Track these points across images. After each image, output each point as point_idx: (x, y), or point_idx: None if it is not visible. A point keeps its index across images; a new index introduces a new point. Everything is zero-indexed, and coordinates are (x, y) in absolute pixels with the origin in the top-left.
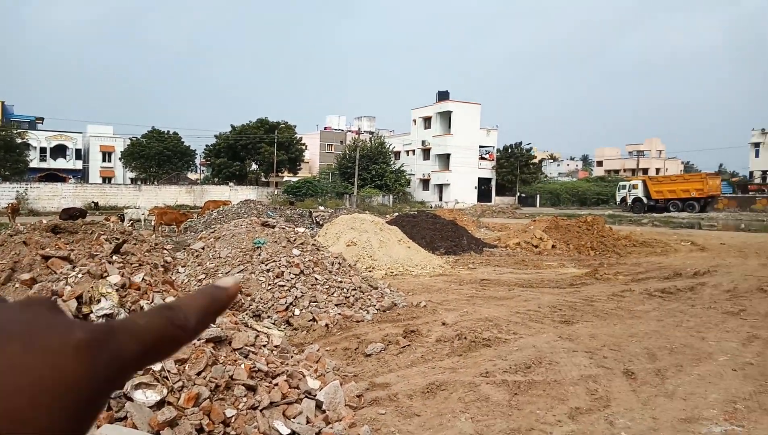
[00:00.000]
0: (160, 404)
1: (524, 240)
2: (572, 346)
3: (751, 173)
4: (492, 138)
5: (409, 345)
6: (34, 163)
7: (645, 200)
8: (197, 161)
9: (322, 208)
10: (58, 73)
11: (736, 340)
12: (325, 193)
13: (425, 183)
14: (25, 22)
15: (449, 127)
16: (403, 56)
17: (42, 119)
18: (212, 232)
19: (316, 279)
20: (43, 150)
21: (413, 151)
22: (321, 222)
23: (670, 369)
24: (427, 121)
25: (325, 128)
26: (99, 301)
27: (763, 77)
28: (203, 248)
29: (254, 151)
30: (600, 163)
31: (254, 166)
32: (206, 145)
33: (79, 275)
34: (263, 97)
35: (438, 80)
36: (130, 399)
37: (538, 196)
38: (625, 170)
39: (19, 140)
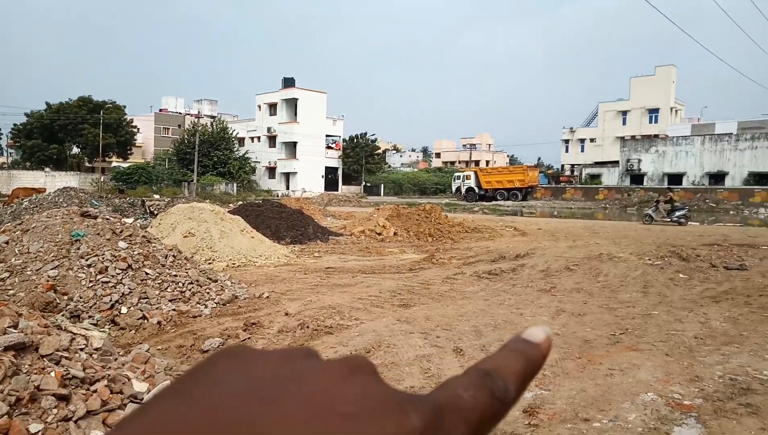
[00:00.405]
0: None
1: (368, 228)
2: (409, 329)
3: (563, 166)
4: (338, 128)
5: (249, 338)
6: None
7: (476, 190)
8: (2, 142)
9: (157, 196)
10: None
11: (547, 314)
12: (160, 180)
13: (271, 171)
14: None
15: (295, 114)
16: (247, 39)
17: None
18: (19, 224)
19: (147, 273)
20: None
21: (258, 138)
22: (156, 212)
23: (493, 344)
24: (273, 107)
25: (161, 110)
26: None
27: (573, 81)
28: (7, 242)
29: (75, 132)
30: (438, 155)
31: (76, 150)
32: (14, 124)
33: None
34: (85, 74)
35: (284, 67)
36: None
37: (382, 185)
38: (460, 162)
39: None
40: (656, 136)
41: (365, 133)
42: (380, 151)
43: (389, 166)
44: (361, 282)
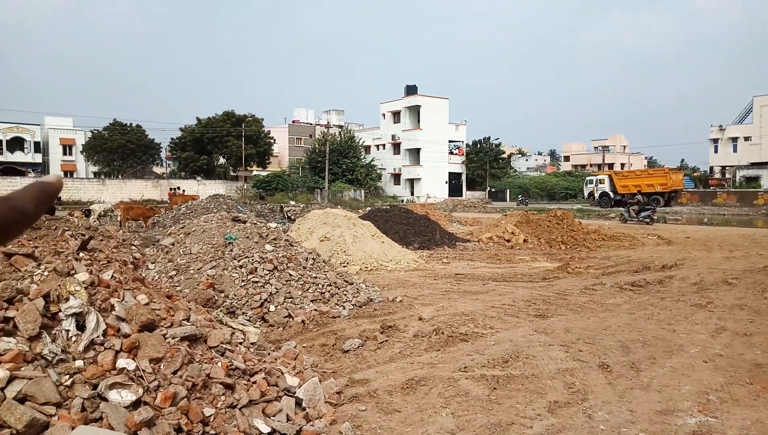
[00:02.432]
0: (136, 404)
1: (496, 234)
2: (548, 340)
3: (711, 168)
4: (461, 133)
5: (386, 340)
6: None
7: (611, 195)
8: (163, 155)
9: (293, 202)
10: (9, 62)
11: (705, 332)
12: (295, 187)
13: (396, 177)
14: None
15: (418, 121)
16: (371, 50)
17: None
18: (182, 228)
19: (291, 275)
20: None
21: (383, 145)
22: (292, 217)
23: (644, 361)
24: (396, 115)
25: (294, 121)
26: (67, 299)
27: (721, 74)
28: (173, 244)
29: (221, 144)
30: (567, 158)
31: (222, 160)
32: (171, 139)
33: (45, 273)
34: (229, 90)
35: (406, 74)
36: (105, 399)
37: (508, 190)
38: (591, 165)
39: None
40: None
41: (489, 138)
42: (505, 155)
43: (514, 171)
44: (493, 290)
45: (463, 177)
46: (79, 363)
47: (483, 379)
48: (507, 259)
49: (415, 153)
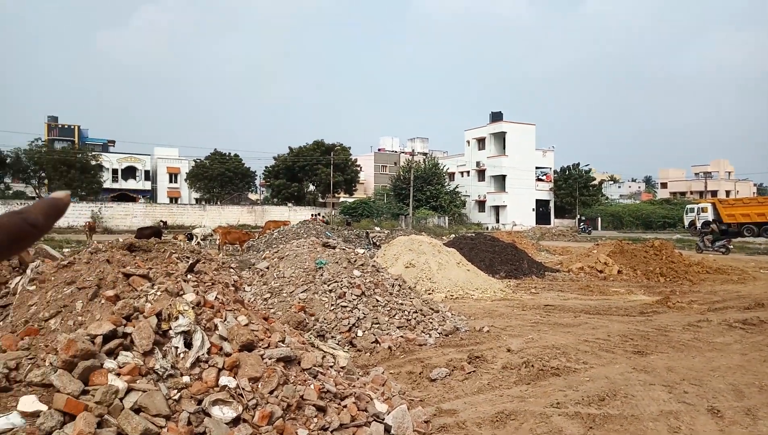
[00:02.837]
0: (236, 421)
1: (588, 264)
2: (648, 379)
3: None
4: (548, 159)
5: (474, 371)
6: (107, 184)
7: (717, 224)
8: (257, 182)
9: (378, 229)
10: (127, 98)
11: None
12: (380, 214)
13: (481, 204)
14: (95, 54)
15: (504, 148)
16: (454, 77)
17: (113, 142)
18: (276, 252)
19: (378, 301)
20: (114, 171)
21: (467, 172)
22: (378, 243)
23: (761, 408)
24: (481, 142)
25: (379, 149)
26: (177, 318)
27: None
28: (267, 268)
29: (311, 172)
30: (664, 185)
31: (311, 187)
32: (265, 167)
33: (158, 293)
34: (319, 119)
35: (491, 101)
36: (208, 415)
37: (599, 219)
38: (692, 192)
39: (93, 162)
40: None
41: (578, 164)
42: (595, 181)
43: (606, 198)
44: (585, 323)
45: (551, 204)
46: (186, 379)
47: (577, 416)
48: (600, 291)
49: (500, 180)
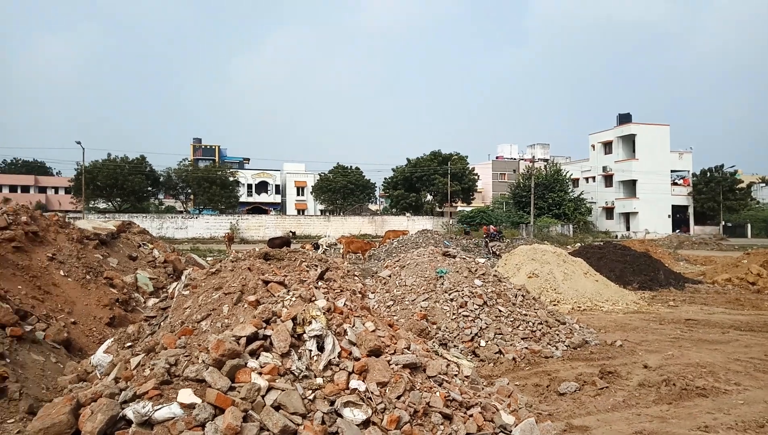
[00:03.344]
0: (365, 423)
1: (736, 276)
2: None
3: None
4: (685, 161)
5: (607, 387)
6: (243, 198)
7: None
8: (377, 193)
9: (500, 228)
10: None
11: None
12: (499, 222)
13: (609, 211)
14: (230, 79)
15: (633, 151)
16: (576, 80)
17: (248, 159)
18: (397, 261)
19: (500, 311)
20: (249, 186)
21: (593, 177)
22: (498, 252)
23: None
24: (608, 145)
25: (497, 157)
26: (310, 323)
27: None
28: (390, 276)
29: (428, 182)
30: None
31: (429, 197)
32: (384, 178)
33: (293, 299)
34: (436, 130)
35: (617, 103)
36: (340, 415)
37: (749, 225)
38: None
39: (231, 179)
40: None
41: (722, 166)
42: (743, 184)
43: (756, 202)
44: (736, 340)
45: (690, 210)
46: (319, 380)
47: None
48: (753, 305)
49: (630, 185)
